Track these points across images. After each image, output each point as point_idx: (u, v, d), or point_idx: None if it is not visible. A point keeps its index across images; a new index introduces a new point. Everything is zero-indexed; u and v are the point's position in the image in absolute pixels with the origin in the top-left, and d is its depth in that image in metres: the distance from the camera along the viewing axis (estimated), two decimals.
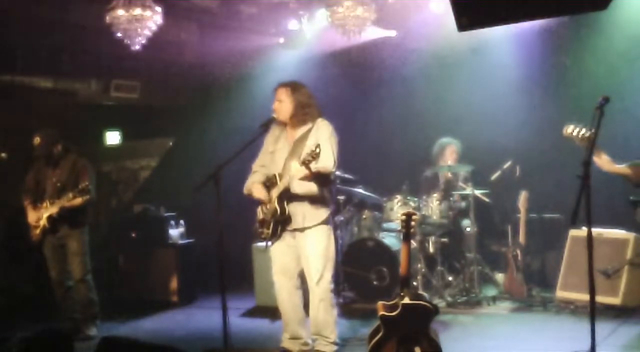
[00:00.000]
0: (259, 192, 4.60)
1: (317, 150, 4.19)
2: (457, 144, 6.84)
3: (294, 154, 4.55)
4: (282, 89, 4.66)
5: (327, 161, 4.48)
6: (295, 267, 4.68)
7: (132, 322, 6.21)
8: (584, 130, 4.50)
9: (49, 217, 5.45)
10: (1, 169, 6.42)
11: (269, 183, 4.62)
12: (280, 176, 4.53)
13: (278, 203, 4.51)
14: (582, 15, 5.74)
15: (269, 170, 4.68)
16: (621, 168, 4.55)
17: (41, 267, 5.70)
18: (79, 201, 5.43)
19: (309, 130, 4.62)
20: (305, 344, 4.71)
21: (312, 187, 4.52)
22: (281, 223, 4.55)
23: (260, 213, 4.67)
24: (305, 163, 4.21)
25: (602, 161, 4.58)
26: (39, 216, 5.50)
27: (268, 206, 4.57)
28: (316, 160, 4.24)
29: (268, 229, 4.58)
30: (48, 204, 5.47)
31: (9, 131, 6.66)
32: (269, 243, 4.68)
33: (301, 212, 4.55)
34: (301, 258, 4.63)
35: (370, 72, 7.85)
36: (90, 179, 5.58)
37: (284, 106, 4.62)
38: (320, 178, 4.48)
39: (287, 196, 4.51)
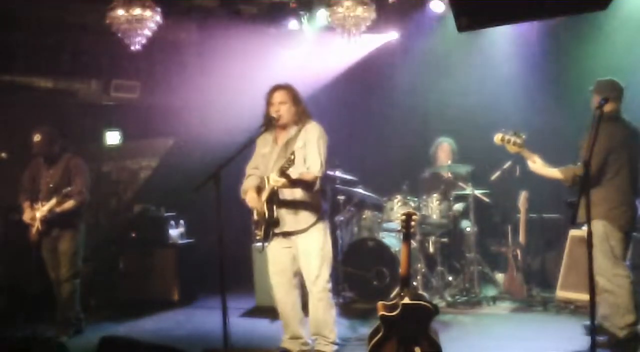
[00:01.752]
0: (250, 200, 4.60)
1: (292, 156, 4.21)
2: (449, 142, 6.84)
3: (283, 157, 4.52)
4: (283, 91, 4.62)
5: (312, 166, 4.48)
6: (291, 268, 4.69)
7: (132, 322, 6.20)
8: (514, 137, 4.60)
9: (41, 219, 5.43)
10: (1, 168, 6.40)
11: (261, 185, 4.62)
12: (269, 178, 4.50)
13: (267, 206, 4.51)
14: (583, 15, 5.74)
15: (263, 173, 4.67)
16: (553, 171, 4.64)
17: (41, 266, 5.69)
18: (70, 204, 5.41)
19: (298, 132, 4.61)
20: (305, 343, 4.71)
21: (298, 191, 4.52)
22: (272, 225, 4.55)
23: (254, 215, 4.68)
24: (283, 171, 4.24)
25: (537, 165, 4.70)
26: (33, 216, 5.48)
27: (259, 209, 4.58)
28: (292, 166, 4.25)
29: (261, 230, 4.60)
30: (41, 205, 5.44)
31: (8, 131, 6.65)
32: (265, 244, 4.69)
33: (292, 215, 4.55)
34: (298, 259, 4.64)
35: (370, 72, 7.84)
36: (84, 180, 5.54)
37: (286, 108, 4.58)
38: (304, 184, 4.47)
39: (276, 199, 4.51)
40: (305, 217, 4.56)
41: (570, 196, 4.96)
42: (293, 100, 4.61)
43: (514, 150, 4.75)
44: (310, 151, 4.51)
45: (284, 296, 4.72)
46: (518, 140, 4.68)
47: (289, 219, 4.56)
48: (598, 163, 4.48)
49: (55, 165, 5.59)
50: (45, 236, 5.51)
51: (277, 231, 4.58)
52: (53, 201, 5.34)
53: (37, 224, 5.44)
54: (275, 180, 4.33)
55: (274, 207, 4.51)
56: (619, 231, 4.55)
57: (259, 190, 4.61)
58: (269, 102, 4.63)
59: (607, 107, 4.62)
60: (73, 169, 5.57)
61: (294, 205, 4.54)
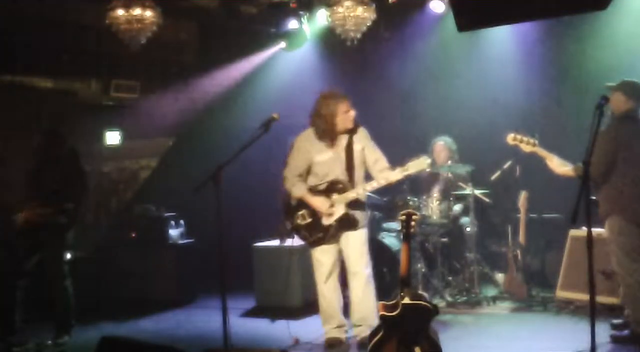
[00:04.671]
0: (319, 203, 4.82)
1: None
2: (446, 141, 6.81)
3: (349, 160, 4.86)
4: (346, 100, 4.89)
5: (381, 160, 4.94)
6: (337, 264, 4.98)
7: (132, 322, 6.21)
8: (527, 137, 4.74)
9: (28, 219, 5.35)
10: (1, 168, 6.40)
11: (333, 189, 4.83)
12: (346, 182, 4.81)
13: (348, 208, 4.80)
14: (582, 15, 5.74)
15: (320, 179, 4.89)
16: (570, 170, 4.68)
17: (40, 266, 5.67)
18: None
19: (352, 137, 4.90)
20: (347, 330, 5.06)
21: (363, 195, 4.92)
22: (345, 226, 4.82)
23: (304, 218, 4.87)
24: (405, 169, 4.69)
25: (554, 164, 4.77)
26: (21, 210, 5.39)
27: (328, 211, 4.79)
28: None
29: (321, 232, 4.82)
30: (35, 204, 5.36)
31: (8, 131, 6.65)
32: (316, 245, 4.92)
33: (359, 214, 4.90)
34: (347, 250, 4.89)
35: (371, 72, 7.84)
36: (81, 189, 5.53)
37: (352, 116, 4.89)
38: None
39: (354, 201, 4.82)
40: (365, 216, 4.98)
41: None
42: (351, 107, 4.92)
43: (529, 149, 4.82)
44: (371, 150, 4.94)
45: (331, 292, 4.97)
46: (532, 140, 4.75)
47: (356, 219, 4.87)
48: (609, 160, 4.53)
49: (57, 167, 5.55)
50: (30, 235, 5.43)
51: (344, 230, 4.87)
52: (49, 210, 5.29)
53: (23, 222, 5.35)
54: (395, 175, 4.71)
55: (351, 208, 4.84)
56: (636, 226, 4.60)
57: (321, 192, 4.86)
58: (337, 112, 4.83)
59: (626, 106, 4.65)
60: (75, 176, 5.53)
61: (360, 205, 4.92)
